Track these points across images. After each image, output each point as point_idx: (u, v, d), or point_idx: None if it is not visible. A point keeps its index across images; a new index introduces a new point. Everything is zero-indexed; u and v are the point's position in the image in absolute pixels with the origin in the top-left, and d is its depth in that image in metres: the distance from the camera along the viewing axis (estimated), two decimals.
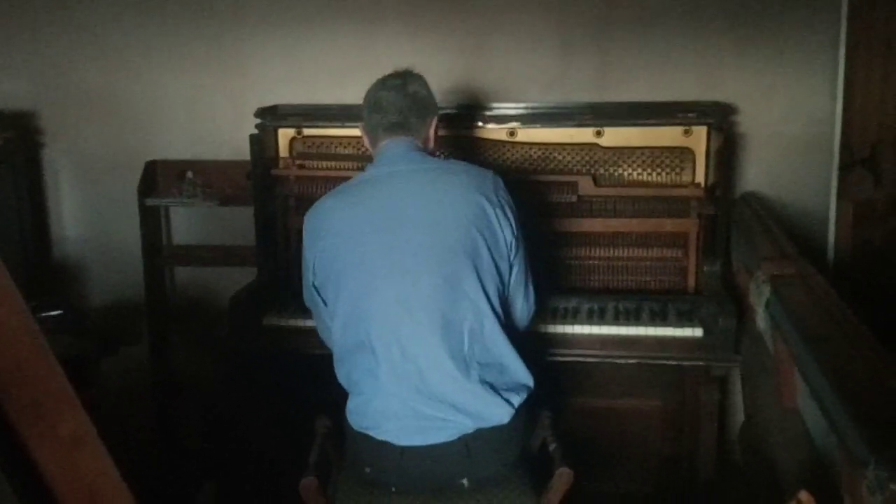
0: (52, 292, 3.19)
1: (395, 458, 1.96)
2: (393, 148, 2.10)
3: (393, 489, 2.00)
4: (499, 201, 2.03)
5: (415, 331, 1.93)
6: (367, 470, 2.02)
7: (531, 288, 2.16)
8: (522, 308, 2.15)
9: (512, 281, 2.08)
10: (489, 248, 1.98)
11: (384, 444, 1.96)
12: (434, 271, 1.94)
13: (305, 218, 2.10)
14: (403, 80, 2.12)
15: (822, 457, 1.73)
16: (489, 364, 1.98)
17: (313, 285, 2.08)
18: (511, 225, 2.03)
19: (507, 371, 2.00)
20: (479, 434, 1.95)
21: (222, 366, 2.92)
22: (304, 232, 2.09)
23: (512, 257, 2.05)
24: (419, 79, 2.15)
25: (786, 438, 2.03)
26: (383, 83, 2.14)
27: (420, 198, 2.00)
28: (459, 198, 2.00)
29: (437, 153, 2.29)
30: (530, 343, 2.37)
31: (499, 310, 2.00)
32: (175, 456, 3.19)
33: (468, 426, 1.94)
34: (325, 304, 2.07)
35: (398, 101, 2.09)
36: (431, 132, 2.16)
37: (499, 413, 1.96)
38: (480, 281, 1.96)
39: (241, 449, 2.80)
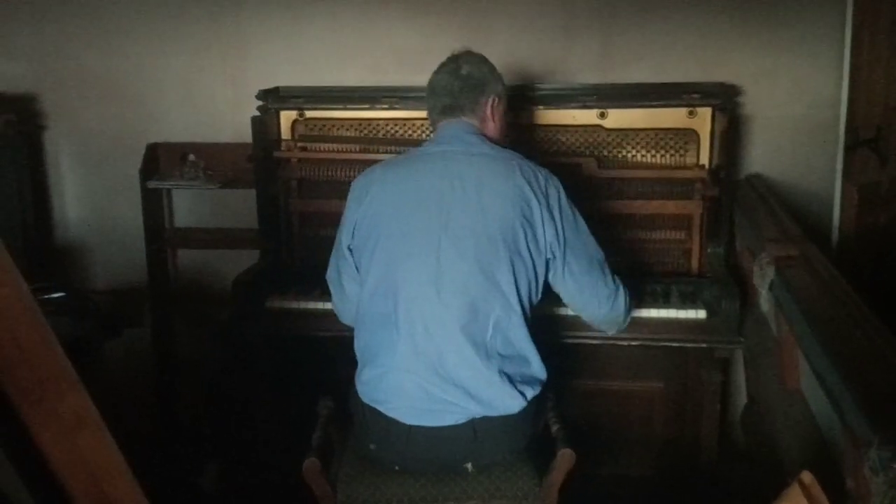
0: (54, 275, 3.19)
1: (402, 437, 1.96)
2: (448, 128, 2.13)
3: (396, 468, 2.01)
4: (546, 200, 2.02)
5: (441, 313, 1.94)
6: (372, 447, 2.03)
7: (607, 289, 2.13)
8: (602, 313, 2.17)
9: (571, 284, 2.07)
10: (528, 244, 1.98)
11: (392, 422, 1.97)
12: (470, 257, 1.95)
13: (353, 183, 2.13)
14: (457, 62, 2.15)
15: (825, 438, 1.73)
16: (510, 356, 1.98)
17: (348, 248, 2.08)
18: (555, 226, 2.01)
19: (526, 364, 2.00)
20: (488, 420, 1.96)
21: (225, 348, 2.92)
22: (349, 195, 2.12)
23: (554, 258, 2.03)
24: (474, 58, 2.17)
25: (788, 420, 2.03)
26: (440, 67, 2.18)
27: (469, 181, 2.00)
28: (508, 188, 1.99)
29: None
30: (533, 325, 2.37)
31: (526, 305, 2.00)
32: (178, 438, 3.20)
33: (477, 412, 1.95)
34: (357, 269, 2.08)
35: (449, 84, 2.13)
36: (489, 111, 2.15)
37: (511, 404, 1.96)
38: (514, 274, 1.96)
39: (243, 431, 2.81)
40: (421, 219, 1.98)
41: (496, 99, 2.17)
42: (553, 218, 2.02)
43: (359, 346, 2.06)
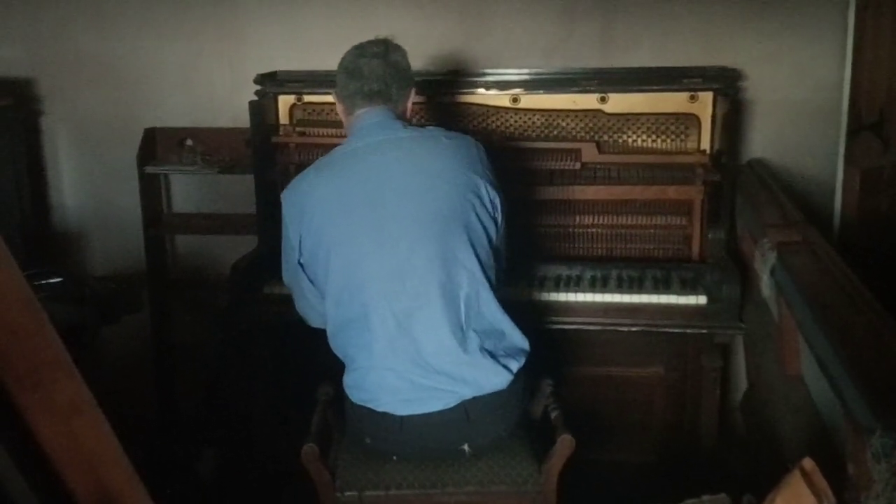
0: (51, 261, 3.18)
1: (395, 428, 1.96)
2: (371, 118, 2.05)
3: (394, 458, 2.01)
4: (482, 168, 2.02)
5: (410, 303, 1.92)
6: (368, 440, 2.02)
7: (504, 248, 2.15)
8: (498, 269, 2.14)
9: (499, 245, 2.07)
10: (478, 214, 1.97)
11: (384, 415, 1.96)
12: (427, 241, 1.93)
13: (285, 195, 2.05)
14: (385, 48, 2.08)
15: (826, 424, 1.73)
16: (486, 331, 1.97)
17: (299, 262, 2.04)
18: (494, 186, 2.02)
19: (504, 336, 1.99)
20: (478, 400, 1.95)
21: (223, 334, 2.92)
22: (285, 209, 2.04)
23: (499, 219, 2.04)
24: (399, 49, 2.11)
25: (789, 406, 2.03)
26: (362, 50, 2.08)
27: (407, 166, 1.97)
28: (447, 165, 1.98)
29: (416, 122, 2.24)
30: (532, 311, 2.36)
31: (491, 276, 2.00)
32: (175, 424, 3.20)
33: (466, 393, 1.94)
34: (313, 282, 2.04)
35: (379, 69, 2.04)
36: (410, 104, 2.13)
37: (497, 380, 1.95)
38: (473, 248, 1.95)
39: (241, 417, 2.81)
40: (367, 217, 1.94)
41: (414, 91, 2.15)
42: (491, 181, 2.01)
43: (336, 350, 2.04)
